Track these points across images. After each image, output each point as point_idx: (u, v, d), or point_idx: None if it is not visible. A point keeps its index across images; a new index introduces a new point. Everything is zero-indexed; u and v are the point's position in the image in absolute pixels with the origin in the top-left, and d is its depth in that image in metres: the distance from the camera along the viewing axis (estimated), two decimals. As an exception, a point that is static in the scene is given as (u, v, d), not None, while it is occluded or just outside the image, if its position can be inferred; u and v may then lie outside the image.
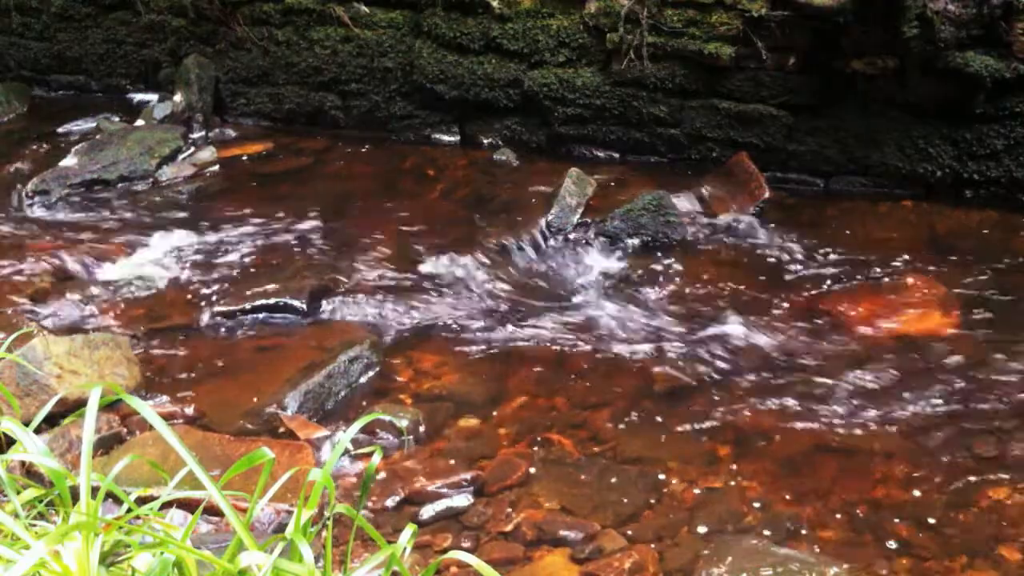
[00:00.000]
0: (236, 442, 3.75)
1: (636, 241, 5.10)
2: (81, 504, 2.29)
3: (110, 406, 3.75)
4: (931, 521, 3.49)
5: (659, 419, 4.01)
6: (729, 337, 4.43)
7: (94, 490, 2.35)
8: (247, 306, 4.65)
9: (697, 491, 3.64)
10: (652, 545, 3.40)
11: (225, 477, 2.37)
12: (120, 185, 5.79)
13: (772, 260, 4.99)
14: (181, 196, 5.76)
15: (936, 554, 3.36)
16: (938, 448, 3.80)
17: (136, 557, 2.23)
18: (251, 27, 6.30)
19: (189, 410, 4.03)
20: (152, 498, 2.56)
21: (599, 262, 4.99)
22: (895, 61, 5.17)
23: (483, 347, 4.44)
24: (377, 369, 4.30)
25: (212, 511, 3.11)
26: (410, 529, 2.33)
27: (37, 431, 2.67)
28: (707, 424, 3.96)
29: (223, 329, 4.57)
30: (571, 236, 5.16)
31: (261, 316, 4.63)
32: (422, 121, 6.20)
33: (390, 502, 3.59)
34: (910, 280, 4.75)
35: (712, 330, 4.49)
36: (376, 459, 2.49)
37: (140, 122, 6.35)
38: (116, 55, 6.73)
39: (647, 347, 4.40)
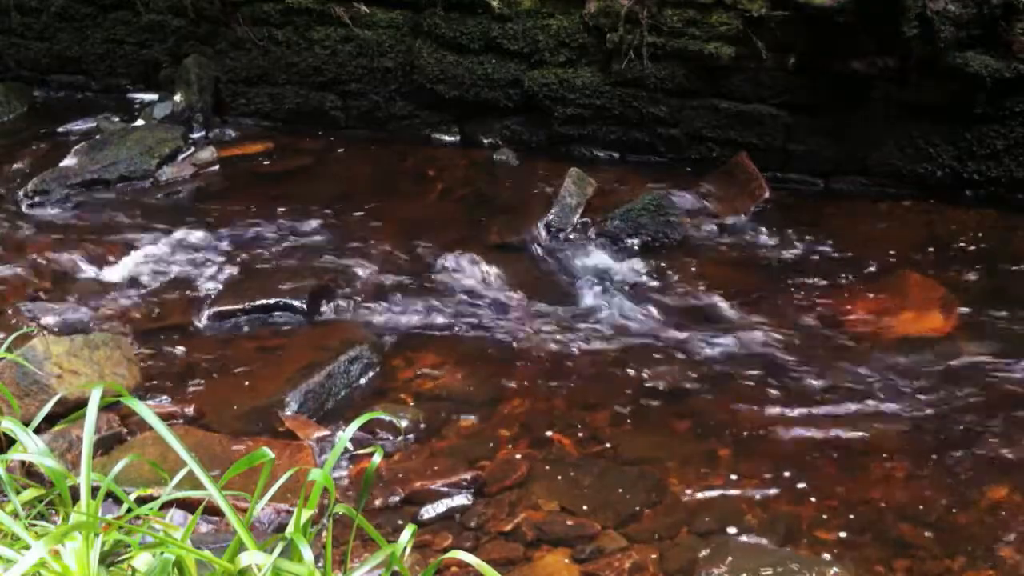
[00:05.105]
0: (236, 442, 3.75)
1: (636, 241, 5.10)
2: (81, 504, 2.30)
3: (110, 406, 3.75)
4: (931, 521, 3.49)
5: (659, 419, 4.01)
6: (729, 337, 4.43)
7: (94, 490, 2.36)
8: (247, 306, 4.65)
9: (697, 491, 3.63)
10: (652, 545, 3.40)
11: (225, 477, 2.38)
12: (120, 185, 5.79)
13: (772, 260, 4.99)
14: (181, 196, 5.76)
15: (936, 554, 3.36)
16: (938, 448, 3.80)
17: (136, 557, 2.23)
18: (251, 27, 6.30)
19: (189, 410, 4.02)
20: (152, 498, 2.56)
21: (599, 262, 4.99)
22: (895, 61, 5.17)
23: (483, 347, 4.44)
24: (377, 369, 4.30)
25: (212, 511, 3.11)
26: (410, 529, 2.33)
27: (37, 431, 2.68)
28: (707, 424, 3.96)
29: (223, 329, 4.57)
30: (571, 236, 5.16)
31: (261, 316, 4.63)
32: (422, 121, 6.20)
33: (390, 502, 3.59)
34: (910, 280, 4.75)
35: (712, 330, 4.48)
36: (377, 459, 2.49)
37: (140, 122, 6.35)
38: (116, 55, 6.72)
39: (647, 347, 4.40)
